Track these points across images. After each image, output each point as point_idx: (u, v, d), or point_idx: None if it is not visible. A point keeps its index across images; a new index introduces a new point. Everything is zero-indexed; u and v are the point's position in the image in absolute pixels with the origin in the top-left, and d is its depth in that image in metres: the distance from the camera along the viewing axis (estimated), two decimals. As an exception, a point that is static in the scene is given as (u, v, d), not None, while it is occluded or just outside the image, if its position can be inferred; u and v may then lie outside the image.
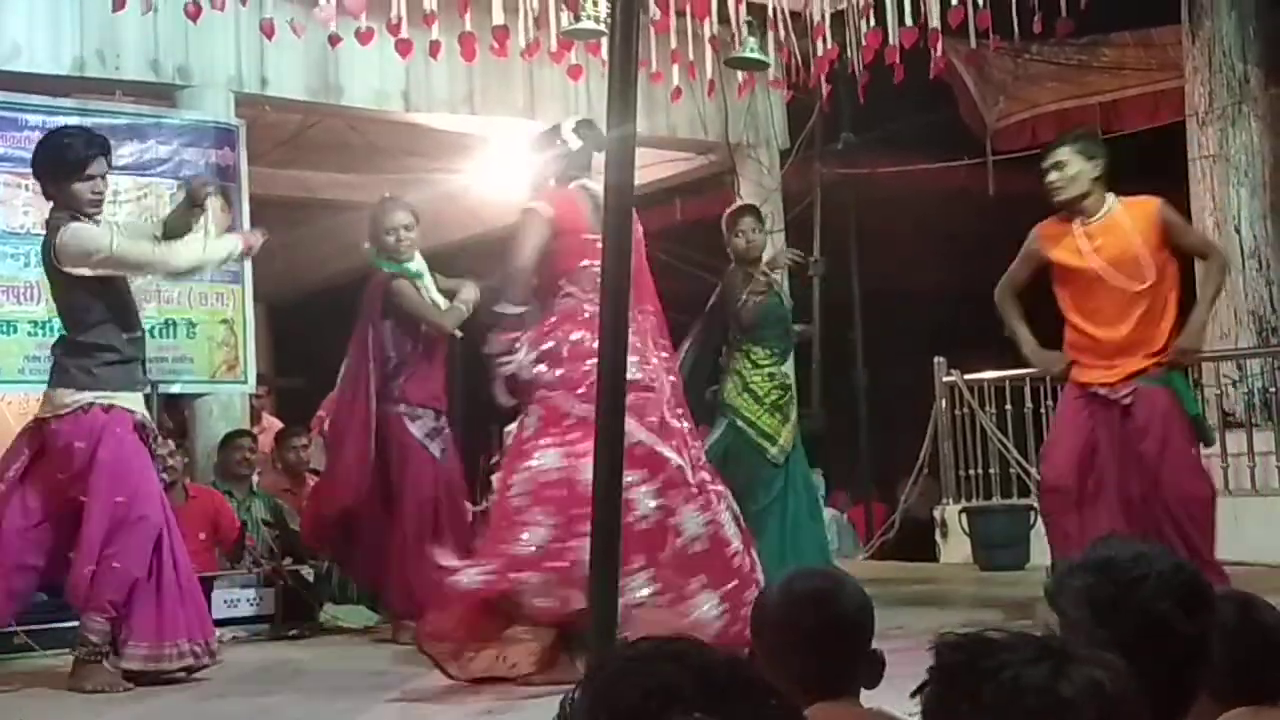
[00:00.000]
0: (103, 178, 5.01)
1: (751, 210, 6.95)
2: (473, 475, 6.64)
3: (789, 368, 6.95)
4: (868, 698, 2.20)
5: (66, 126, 5.79)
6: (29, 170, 6.60)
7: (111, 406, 4.89)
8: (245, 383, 7.36)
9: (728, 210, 6.80)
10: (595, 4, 6.38)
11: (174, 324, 7.04)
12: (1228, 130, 8.96)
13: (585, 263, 4.68)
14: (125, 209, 6.71)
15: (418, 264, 5.97)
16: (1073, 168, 5.46)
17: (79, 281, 4.95)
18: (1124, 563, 1.90)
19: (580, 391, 4.45)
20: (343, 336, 6.19)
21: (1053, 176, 5.46)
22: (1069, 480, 5.34)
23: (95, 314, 4.96)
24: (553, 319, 4.75)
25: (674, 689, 1.23)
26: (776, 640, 2.23)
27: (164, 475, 5.59)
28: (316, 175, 10.43)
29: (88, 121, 6.77)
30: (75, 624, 5.06)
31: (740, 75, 7.96)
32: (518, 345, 4.74)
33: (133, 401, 4.95)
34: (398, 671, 4.74)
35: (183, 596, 4.91)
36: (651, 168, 9.08)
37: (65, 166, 4.97)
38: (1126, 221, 5.45)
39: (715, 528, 4.59)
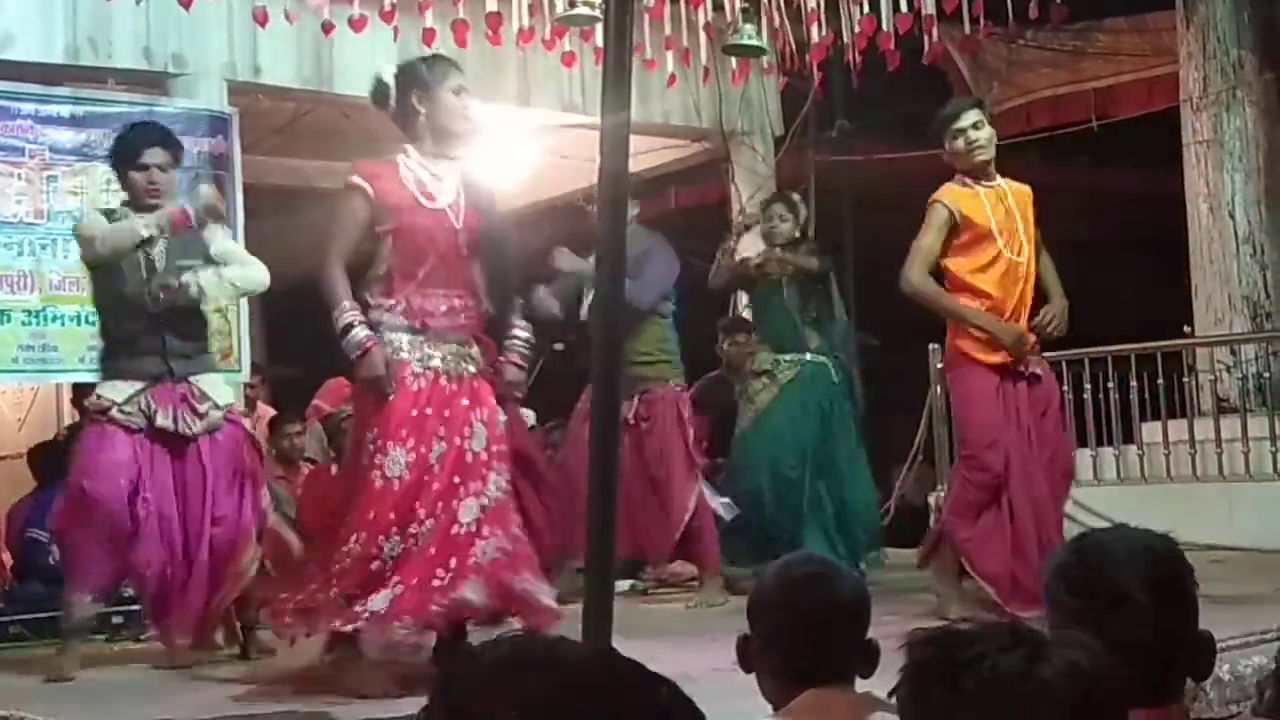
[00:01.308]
0: (159, 168, 5.12)
1: (783, 197, 7.10)
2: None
3: (774, 355, 6.96)
4: (861, 685, 2.20)
5: (139, 120, 5.87)
6: (23, 159, 6.65)
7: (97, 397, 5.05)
8: (239, 371, 7.34)
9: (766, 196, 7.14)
10: (589, -10, 6.36)
11: (168, 312, 7.04)
12: (1222, 115, 8.96)
13: None
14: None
15: None
16: (987, 131, 5.49)
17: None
18: (1100, 540, 2.00)
19: None
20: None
21: (975, 135, 5.45)
22: (1001, 469, 5.32)
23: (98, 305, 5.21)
24: None
25: (547, 703, 1.10)
26: (773, 624, 2.23)
27: None
28: (310, 163, 10.40)
29: (80, 110, 6.77)
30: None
31: (734, 62, 7.95)
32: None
33: (115, 391, 4.98)
34: (396, 665, 4.74)
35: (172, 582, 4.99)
36: (645, 155, 9.06)
37: (120, 157, 5.21)
38: (1012, 196, 5.52)
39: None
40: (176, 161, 5.27)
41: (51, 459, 7.08)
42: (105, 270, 5.05)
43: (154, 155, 5.10)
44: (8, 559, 7.11)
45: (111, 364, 5.06)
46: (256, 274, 5.28)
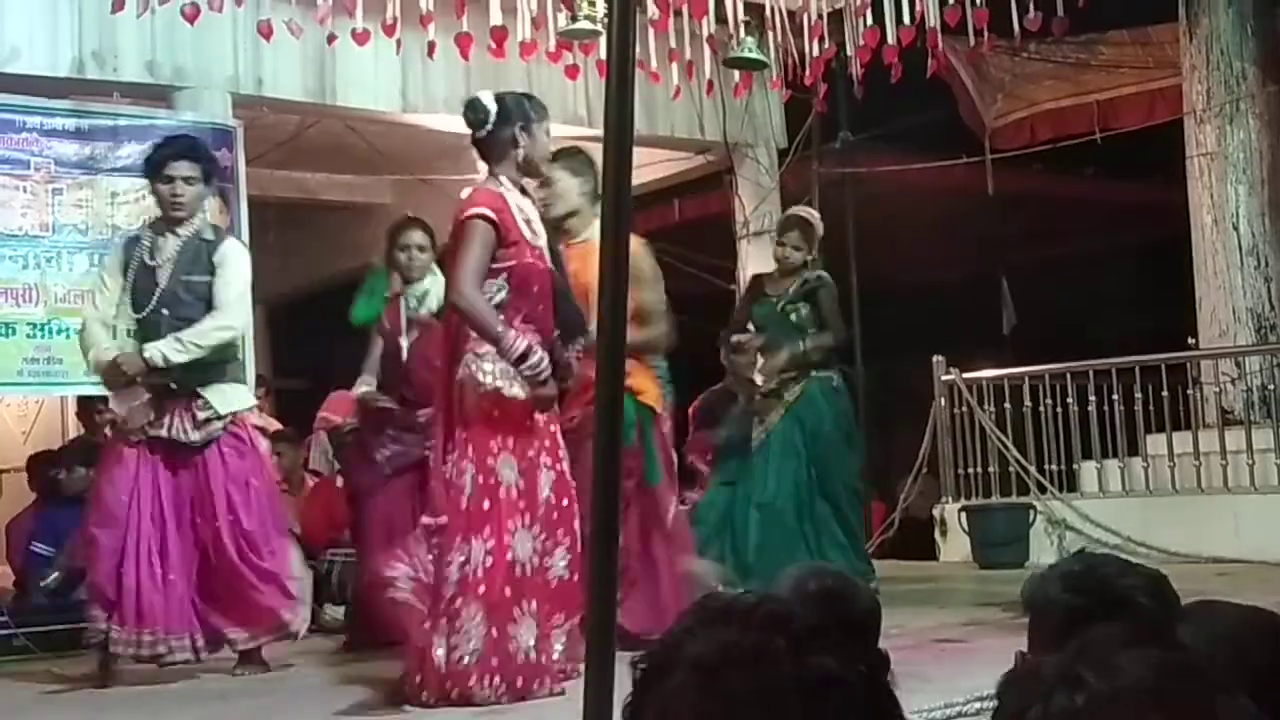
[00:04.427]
0: (185, 180, 5.15)
1: (798, 224, 6.88)
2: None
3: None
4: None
5: (172, 134, 5.91)
6: (28, 172, 6.66)
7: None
8: (244, 384, 7.34)
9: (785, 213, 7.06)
10: (592, 4, 6.37)
11: (172, 325, 7.04)
12: (1225, 128, 8.97)
13: None
14: (123, 210, 6.71)
15: (428, 283, 5.93)
16: (560, 185, 5.38)
17: None
18: (1098, 554, 2.20)
19: None
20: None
21: (542, 193, 5.32)
22: None
23: None
24: None
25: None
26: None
27: None
28: (314, 176, 10.44)
29: (85, 123, 6.78)
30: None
31: (738, 75, 7.96)
32: None
33: (116, 402, 5.15)
34: (394, 675, 4.74)
35: (166, 591, 4.96)
36: (649, 167, 9.08)
37: (147, 169, 5.28)
38: (595, 253, 5.26)
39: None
40: (206, 176, 5.30)
41: (50, 473, 7.09)
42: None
43: (178, 168, 5.15)
44: (10, 572, 7.12)
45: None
46: (216, 331, 5.13)
